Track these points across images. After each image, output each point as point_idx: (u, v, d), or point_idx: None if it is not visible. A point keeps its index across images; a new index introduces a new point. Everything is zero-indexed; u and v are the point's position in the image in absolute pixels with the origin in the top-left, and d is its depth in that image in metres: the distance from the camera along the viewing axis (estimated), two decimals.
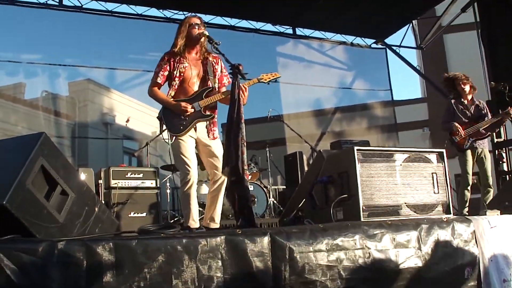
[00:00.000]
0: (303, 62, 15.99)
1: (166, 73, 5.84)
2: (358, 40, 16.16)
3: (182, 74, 5.81)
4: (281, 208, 10.13)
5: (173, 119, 5.73)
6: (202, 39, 5.85)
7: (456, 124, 8.54)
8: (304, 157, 11.66)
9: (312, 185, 5.90)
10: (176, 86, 5.83)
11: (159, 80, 5.83)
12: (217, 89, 5.94)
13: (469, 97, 8.76)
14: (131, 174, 8.71)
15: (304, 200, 5.95)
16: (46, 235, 3.60)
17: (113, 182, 8.49)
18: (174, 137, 5.71)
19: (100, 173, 8.75)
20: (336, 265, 4.06)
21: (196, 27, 5.84)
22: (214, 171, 5.81)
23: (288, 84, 14.82)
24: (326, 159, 6.08)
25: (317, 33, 15.61)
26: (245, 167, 5.08)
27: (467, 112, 8.69)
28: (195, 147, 5.86)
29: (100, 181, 8.67)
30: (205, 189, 9.54)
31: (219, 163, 5.71)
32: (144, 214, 8.56)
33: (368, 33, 15.90)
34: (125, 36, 13.49)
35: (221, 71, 6.04)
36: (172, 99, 5.81)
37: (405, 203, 5.26)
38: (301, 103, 15.82)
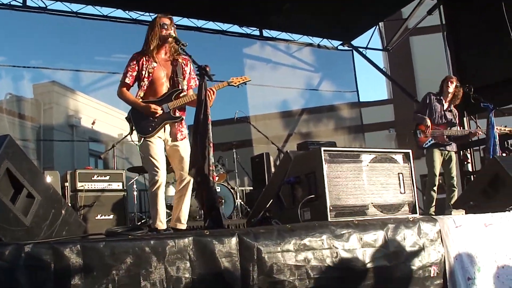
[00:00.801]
0: (270, 64, 16.04)
1: (135, 73, 5.81)
2: (325, 42, 16.28)
3: (151, 74, 5.79)
4: (249, 209, 10.13)
5: (142, 120, 5.72)
6: (170, 40, 5.85)
7: (428, 120, 8.62)
8: (271, 158, 11.70)
9: (280, 186, 5.91)
10: (145, 86, 5.81)
11: (128, 81, 5.79)
12: (185, 91, 5.94)
13: (449, 99, 8.86)
14: (97, 177, 8.67)
15: (271, 201, 5.96)
16: (12, 238, 3.58)
17: (79, 185, 8.46)
18: (142, 138, 5.71)
19: (66, 176, 8.69)
20: (304, 265, 4.08)
21: (165, 27, 5.83)
22: (180, 172, 5.82)
23: (255, 85, 14.82)
24: (293, 160, 6.09)
25: (284, 35, 15.68)
26: (212, 168, 5.09)
27: (442, 112, 8.79)
28: (164, 148, 5.86)
29: (66, 184, 8.62)
30: (172, 190, 9.51)
31: (186, 164, 5.71)
32: (111, 217, 8.54)
33: (335, 35, 16.01)
34: (91, 38, 13.37)
35: (189, 73, 6.03)
36: (141, 99, 5.80)
37: (372, 203, 5.29)
38: (268, 105, 15.86)
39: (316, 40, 16.14)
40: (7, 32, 12.25)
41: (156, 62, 5.83)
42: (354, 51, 16.34)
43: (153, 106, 5.69)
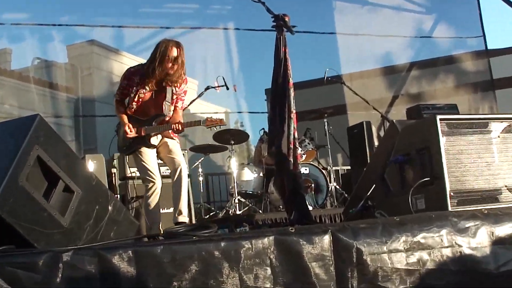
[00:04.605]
0: (366, 6, 15.87)
1: (126, 91, 6.97)
2: None
3: (140, 99, 6.88)
4: (346, 196, 10.13)
5: (122, 139, 6.95)
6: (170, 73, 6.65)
7: None
8: (373, 129, 11.60)
9: (384, 166, 5.90)
10: (133, 109, 6.94)
11: (118, 98, 7.09)
12: (169, 116, 6.87)
13: None
14: None
15: (374, 185, 5.95)
16: (47, 244, 3.65)
17: (130, 171, 8.52)
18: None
19: (113, 160, 8.81)
20: (418, 269, 4.05)
21: (170, 62, 6.58)
22: (172, 165, 6.87)
23: (348, 35, 14.71)
24: (400, 132, 6.05)
25: None
26: (296, 145, 5.11)
27: None
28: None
29: (114, 170, 8.75)
30: (247, 173, 9.56)
31: (176, 156, 6.92)
32: (170, 210, 8.54)
33: None
34: None
35: (178, 93, 6.94)
36: (129, 113, 6.98)
37: (506, 186, 5.21)
38: (366, 59, 15.73)
39: None
40: None
41: (148, 87, 6.74)
42: None
43: (127, 130, 6.79)
